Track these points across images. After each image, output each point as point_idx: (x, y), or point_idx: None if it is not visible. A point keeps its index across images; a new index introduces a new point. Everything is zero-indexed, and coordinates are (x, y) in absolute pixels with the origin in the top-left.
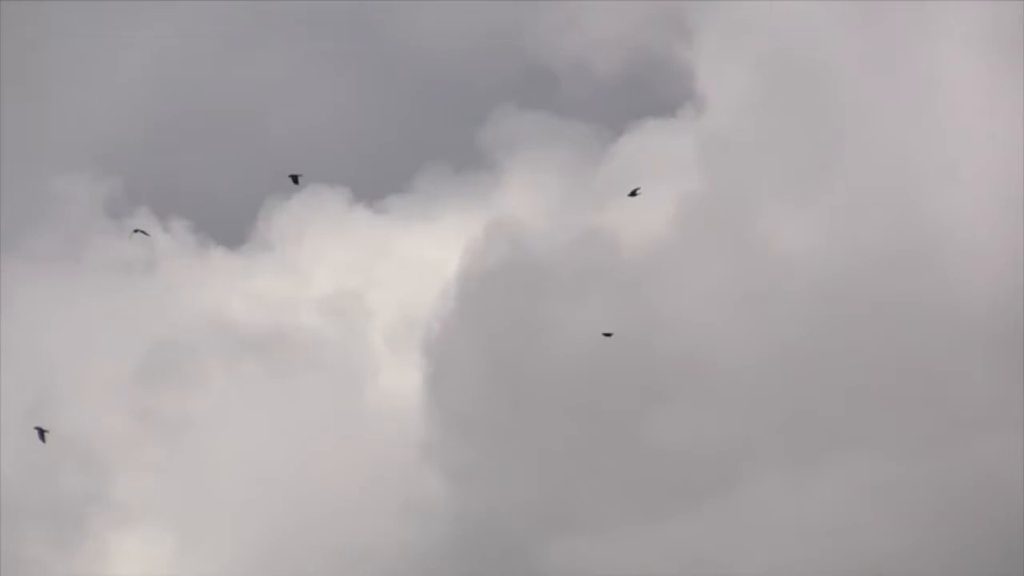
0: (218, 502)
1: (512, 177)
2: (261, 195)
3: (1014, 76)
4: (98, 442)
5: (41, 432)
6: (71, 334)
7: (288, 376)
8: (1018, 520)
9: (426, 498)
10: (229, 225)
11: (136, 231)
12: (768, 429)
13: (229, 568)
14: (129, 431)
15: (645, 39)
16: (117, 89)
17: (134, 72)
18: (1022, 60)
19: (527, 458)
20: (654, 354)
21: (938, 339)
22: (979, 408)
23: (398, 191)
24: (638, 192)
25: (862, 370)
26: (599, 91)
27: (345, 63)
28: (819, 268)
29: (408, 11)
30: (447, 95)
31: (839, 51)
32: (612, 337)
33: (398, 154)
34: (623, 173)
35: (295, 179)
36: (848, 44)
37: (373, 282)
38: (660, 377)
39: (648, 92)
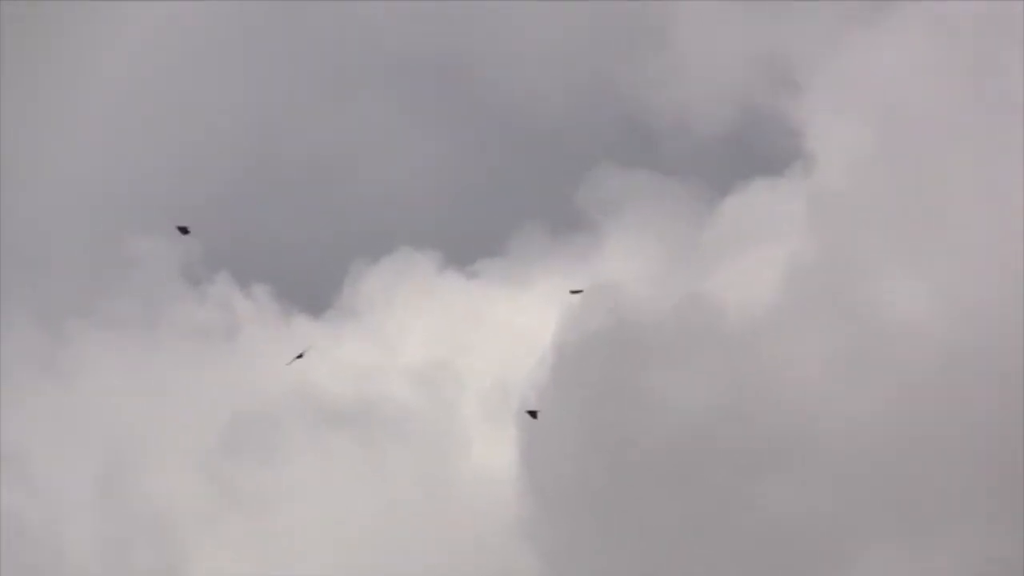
0: None
1: (611, 240)
2: (347, 259)
3: None
4: (173, 517)
5: None
6: (146, 404)
7: (376, 448)
8: None
9: None
10: (313, 291)
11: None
12: (880, 502)
13: None
14: (207, 506)
15: (751, 93)
16: (194, 146)
17: (212, 128)
18: None
19: (627, 535)
20: (761, 424)
21: None
22: None
23: (491, 254)
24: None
25: (978, 439)
26: (703, 148)
27: (435, 119)
28: (933, 333)
29: (502, 62)
30: (543, 152)
31: (955, 106)
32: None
33: (491, 215)
34: (729, 235)
35: (184, 230)
36: (964, 99)
37: (465, 350)
38: (767, 448)
39: (755, 150)
